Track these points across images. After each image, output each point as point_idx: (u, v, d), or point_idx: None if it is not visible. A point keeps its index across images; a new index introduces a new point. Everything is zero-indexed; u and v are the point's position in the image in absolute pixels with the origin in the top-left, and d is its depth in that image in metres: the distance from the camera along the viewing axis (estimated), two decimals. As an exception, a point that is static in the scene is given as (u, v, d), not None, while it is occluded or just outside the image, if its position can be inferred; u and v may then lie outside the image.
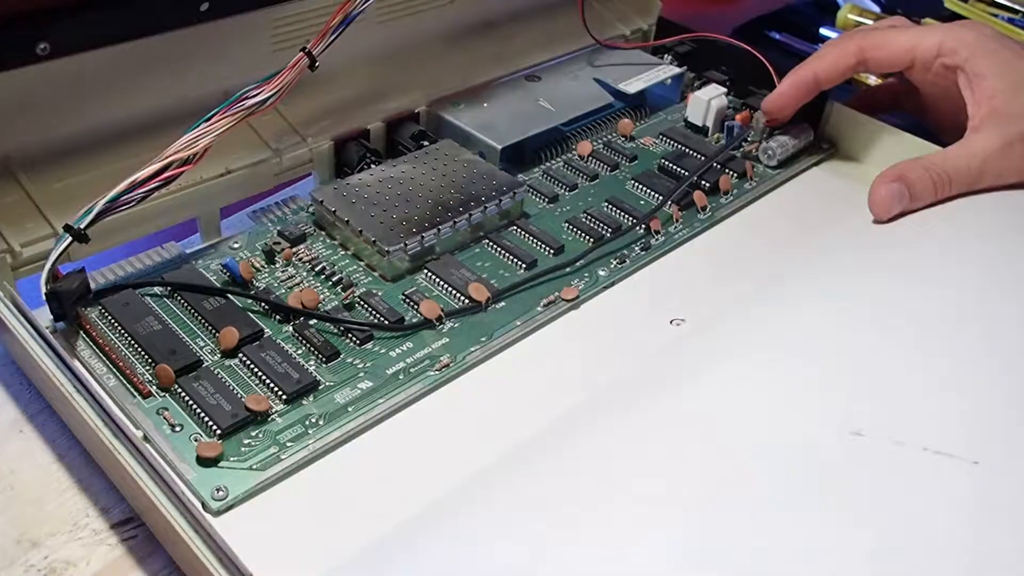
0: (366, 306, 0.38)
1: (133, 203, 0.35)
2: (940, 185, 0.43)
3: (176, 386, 0.33)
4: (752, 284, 0.40)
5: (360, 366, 0.35)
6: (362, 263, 0.40)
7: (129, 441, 0.29)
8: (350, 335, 0.36)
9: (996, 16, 0.66)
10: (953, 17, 0.65)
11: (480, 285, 0.38)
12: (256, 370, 0.34)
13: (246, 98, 0.37)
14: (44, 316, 0.35)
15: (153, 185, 0.35)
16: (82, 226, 0.34)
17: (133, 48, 0.38)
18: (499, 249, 0.41)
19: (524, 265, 0.40)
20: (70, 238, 0.34)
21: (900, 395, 0.32)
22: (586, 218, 0.43)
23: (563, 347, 0.37)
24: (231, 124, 0.37)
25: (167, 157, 0.35)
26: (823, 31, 0.68)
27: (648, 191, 0.46)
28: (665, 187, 0.45)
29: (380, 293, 0.38)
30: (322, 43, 0.39)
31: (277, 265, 0.40)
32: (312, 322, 0.36)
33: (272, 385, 0.33)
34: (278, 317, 0.37)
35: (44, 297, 0.34)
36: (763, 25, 0.68)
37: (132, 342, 0.35)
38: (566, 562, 0.26)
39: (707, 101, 0.50)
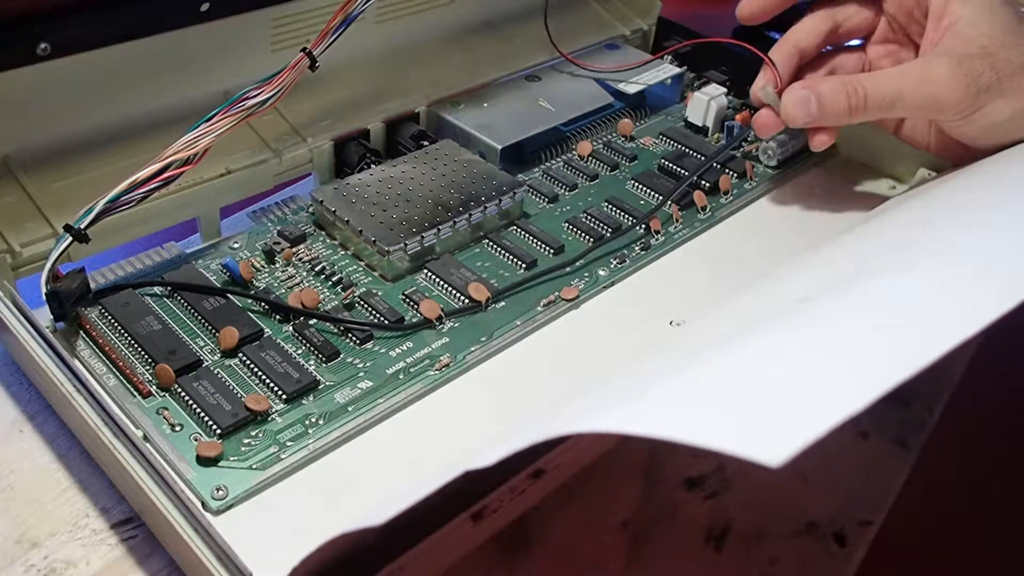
0: (366, 306, 0.38)
1: (133, 203, 0.35)
2: (856, 105, 0.40)
3: (176, 386, 0.33)
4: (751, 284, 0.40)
5: (360, 366, 0.35)
6: (362, 263, 0.40)
7: (129, 441, 0.29)
8: (350, 335, 0.36)
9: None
10: None
11: (480, 285, 0.38)
12: (256, 370, 0.34)
13: (247, 98, 0.37)
14: (44, 316, 0.35)
15: (153, 185, 0.35)
16: (82, 226, 0.34)
17: (133, 48, 0.38)
18: (499, 249, 0.41)
19: (524, 265, 0.40)
20: (70, 238, 0.34)
21: None
22: (586, 218, 0.43)
23: (563, 347, 0.37)
24: (232, 124, 0.37)
25: (167, 157, 0.35)
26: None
27: (648, 191, 0.46)
28: (665, 187, 0.45)
29: (380, 293, 0.38)
30: (322, 44, 0.39)
31: (277, 265, 0.40)
32: (312, 322, 0.36)
33: (272, 385, 0.33)
34: (278, 317, 0.37)
35: (44, 297, 0.34)
36: (763, 25, 0.68)
37: (132, 342, 0.35)
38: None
39: (707, 101, 0.50)
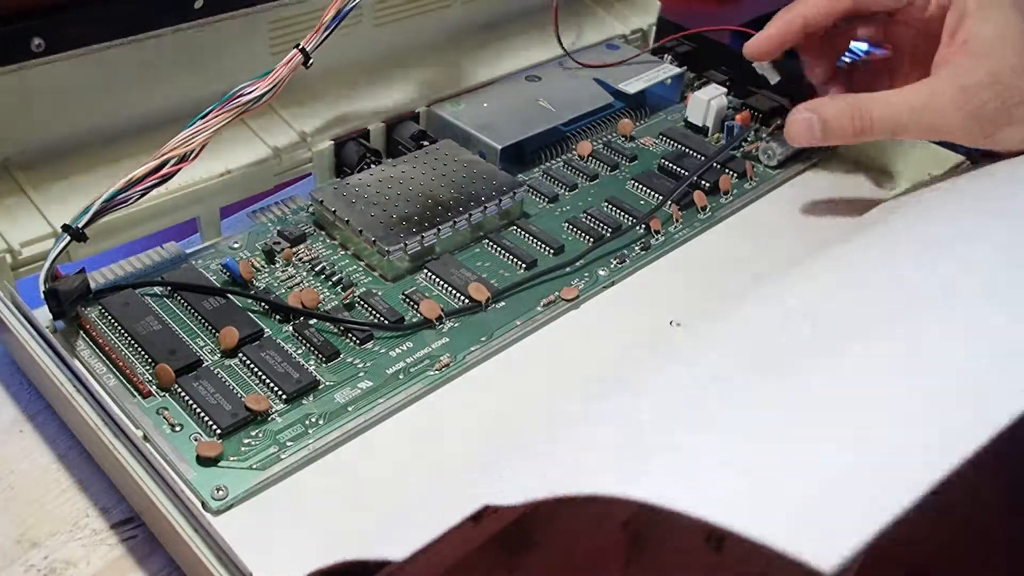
0: (366, 306, 0.38)
1: (131, 201, 0.35)
2: (860, 128, 0.40)
3: (176, 386, 0.33)
4: (751, 285, 0.40)
5: (360, 366, 0.35)
6: (362, 263, 0.40)
7: (129, 441, 0.29)
8: (350, 335, 0.36)
9: None
10: None
11: (480, 285, 0.38)
12: (256, 370, 0.34)
13: (241, 94, 0.37)
14: (44, 316, 0.35)
15: (151, 183, 0.35)
16: (80, 225, 0.34)
17: (131, 48, 0.38)
18: (499, 249, 0.41)
19: (524, 265, 0.40)
20: (68, 237, 0.34)
21: None
22: (586, 218, 0.43)
23: (563, 347, 0.37)
24: (227, 120, 0.37)
25: (164, 154, 0.35)
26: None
27: (648, 191, 0.46)
28: (665, 187, 0.45)
29: (380, 293, 0.38)
30: (315, 39, 0.39)
31: (277, 265, 0.40)
32: (312, 322, 0.36)
33: (272, 385, 0.33)
34: (278, 317, 0.37)
35: (42, 295, 0.34)
36: (763, 25, 0.68)
37: (132, 342, 0.35)
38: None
39: (707, 101, 0.50)
